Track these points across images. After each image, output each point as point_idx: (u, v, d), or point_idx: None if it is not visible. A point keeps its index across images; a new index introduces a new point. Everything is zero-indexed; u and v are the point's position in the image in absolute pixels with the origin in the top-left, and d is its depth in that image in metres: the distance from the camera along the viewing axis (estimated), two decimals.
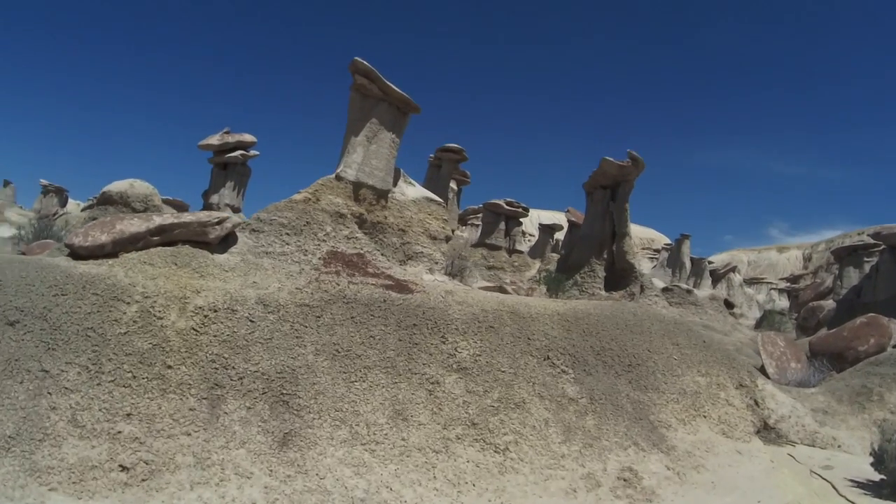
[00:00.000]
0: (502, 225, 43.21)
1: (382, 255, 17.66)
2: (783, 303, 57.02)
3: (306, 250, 15.84)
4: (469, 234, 46.75)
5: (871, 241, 36.20)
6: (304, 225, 16.17)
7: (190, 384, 11.67)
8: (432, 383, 13.26)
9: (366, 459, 11.34)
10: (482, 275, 30.43)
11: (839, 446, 15.09)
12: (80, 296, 12.42)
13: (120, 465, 9.73)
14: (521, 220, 45.56)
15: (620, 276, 24.45)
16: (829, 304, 27.80)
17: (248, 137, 29.74)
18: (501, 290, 21.80)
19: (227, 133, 29.36)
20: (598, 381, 14.31)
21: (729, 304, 41.29)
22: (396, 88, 17.93)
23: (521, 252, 41.80)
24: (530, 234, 64.28)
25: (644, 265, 62.09)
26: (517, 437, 12.67)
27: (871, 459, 12.57)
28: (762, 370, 19.16)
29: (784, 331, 30.14)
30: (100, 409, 10.48)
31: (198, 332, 12.79)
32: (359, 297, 14.64)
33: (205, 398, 11.57)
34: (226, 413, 11.44)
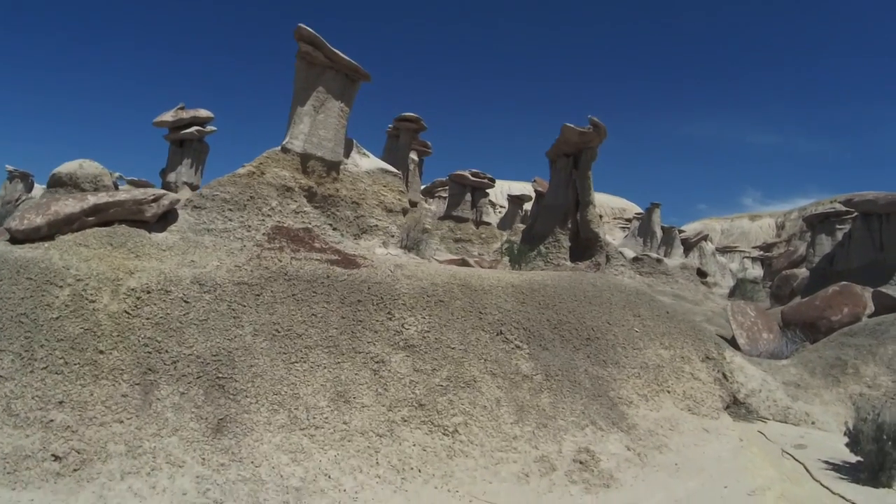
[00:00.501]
0: (468, 196, 41.31)
1: (334, 229, 16.36)
2: (757, 271, 55.41)
3: (249, 226, 14.53)
4: (437, 206, 44.97)
5: (843, 208, 34.89)
6: (248, 200, 14.85)
7: (122, 369, 10.82)
8: (377, 362, 12.11)
9: (304, 445, 10.35)
10: (448, 248, 29.19)
11: (813, 423, 13.95)
12: (14, 281, 11.73)
13: (52, 455, 9.24)
14: (487, 191, 43.77)
15: (586, 247, 23.14)
16: (803, 272, 26.58)
17: (203, 113, 27.96)
18: (464, 262, 20.55)
19: (181, 109, 27.61)
20: (555, 357, 13.11)
21: (702, 273, 40.10)
22: (344, 55, 16.53)
23: (488, 224, 40.01)
24: (500, 206, 62.53)
25: (616, 235, 60.80)
26: (467, 419, 11.55)
27: (846, 439, 11.37)
28: (733, 341, 18.01)
29: (757, 300, 29.03)
30: (32, 397, 9.94)
31: (130, 315, 11.78)
32: (301, 273, 13.37)
33: (137, 384, 10.72)
34: (158, 399, 10.57)
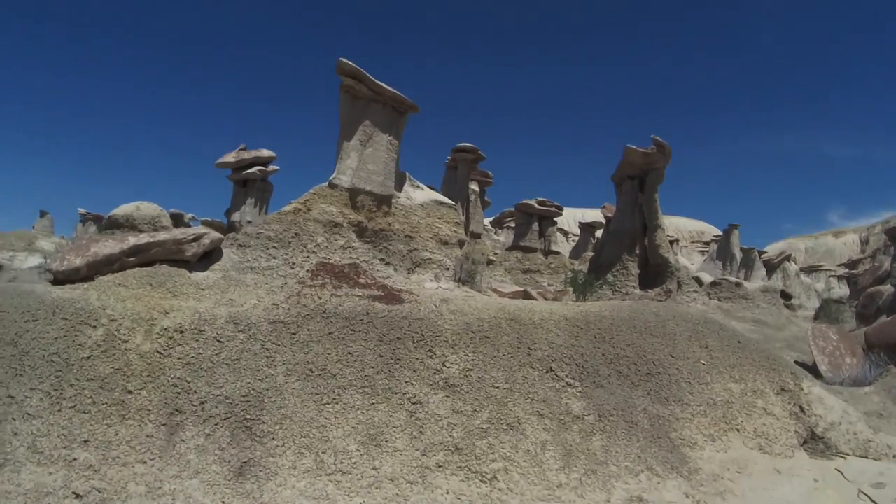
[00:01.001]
0: (535, 226, 38.46)
1: (387, 263, 15.28)
2: (843, 290, 50.11)
3: (293, 263, 13.62)
4: (505, 237, 42.86)
5: None
6: (293, 237, 13.95)
7: (149, 410, 10.21)
8: (414, 403, 10.87)
9: (329, 492, 9.31)
10: (516, 279, 27.48)
11: (894, 456, 11.77)
12: (49, 321, 11.18)
13: (73, 493, 8.82)
14: (555, 219, 40.73)
15: (656, 273, 21.08)
16: (889, 289, 23.59)
17: (265, 153, 27.59)
18: (527, 294, 19.04)
19: (242, 149, 27.36)
20: (610, 395, 11.50)
21: (786, 296, 36.75)
22: (388, 87, 15.55)
23: (557, 253, 37.06)
24: (574, 235, 59.42)
25: (694, 259, 56.70)
26: (507, 464, 10.17)
27: None
28: (814, 368, 15.76)
29: (842, 321, 26.05)
30: (58, 436, 9.47)
31: (162, 354, 11.08)
32: (340, 310, 12.31)
33: (163, 424, 10.07)
34: (183, 440, 9.87)
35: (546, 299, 18.25)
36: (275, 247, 13.81)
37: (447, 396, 11.11)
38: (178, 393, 10.43)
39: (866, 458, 11.92)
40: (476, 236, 28.05)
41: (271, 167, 27.63)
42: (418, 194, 16.64)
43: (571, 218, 67.38)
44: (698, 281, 32.19)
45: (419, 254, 15.63)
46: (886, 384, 13.98)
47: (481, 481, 9.87)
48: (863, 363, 15.49)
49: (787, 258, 51.45)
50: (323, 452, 9.84)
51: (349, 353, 11.58)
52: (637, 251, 21.29)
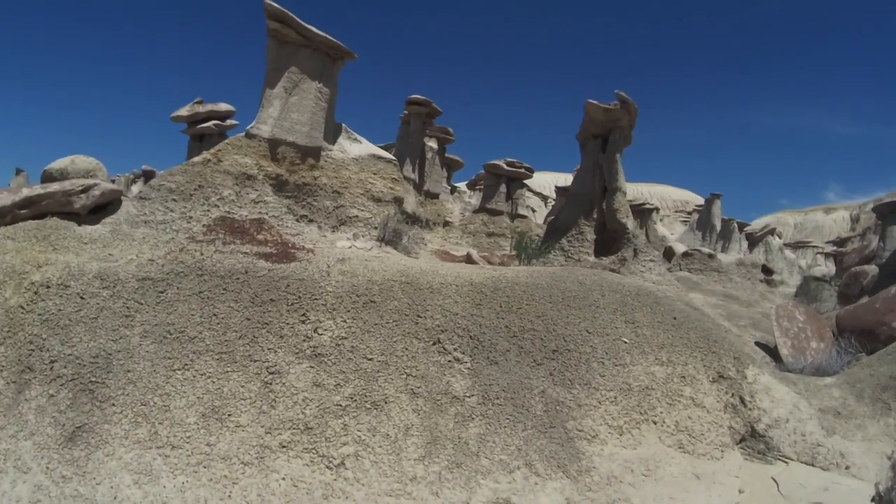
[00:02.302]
0: (503, 188, 33.05)
1: (310, 220, 12.72)
2: (830, 268, 43.77)
3: (191, 217, 11.20)
4: (477, 199, 38.58)
5: None
6: (196, 189, 11.50)
7: (3, 366, 8.49)
8: (272, 373, 8.53)
9: (155, 467, 7.32)
10: (480, 242, 24.22)
11: (847, 467, 8.81)
12: None
13: None
14: (524, 181, 35.33)
15: (613, 239, 17.82)
16: (874, 269, 19.76)
17: (223, 107, 24.63)
18: (469, 259, 16.14)
19: (198, 103, 24.79)
20: (504, 373, 8.75)
21: (767, 271, 32.54)
22: (319, 32, 12.87)
23: (524, 217, 32.09)
24: (553, 199, 53.88)
25: (676, 229, 51.24)
26: (360, 449, 7.77)
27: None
28: (775, 351, 12.53)
29: (821, 300, 22.26)
30: None
31: (24, 310, 9.04)
32: (217, 268, 9.85)
33: (14, 382, 8.40)
34: (27, 400, 8.16)
35: (491, 264, 15.39)
36: (174, 199, 11.39)
37: (311, 367, 8.58)
38: (32, 350, 8.56)
39: (812, 465, 8.99)
40: (432, 196, 24.79)
41: (229, 122, 24.93)
42: (354, 148, 13.92)
43: (554, 182, 60.09)
44: (669, 251, 28.47)
45: (346, 211, 12.98)
46: (851, 376, 10.77)
47: (327, 467, 7.48)
48: (830, 349, 12.18)
49: (771, 232, 44.50)
50: (160, 423, 7.73)
51: (214, 314, 9.13)
52: (594, 215, 18.02)
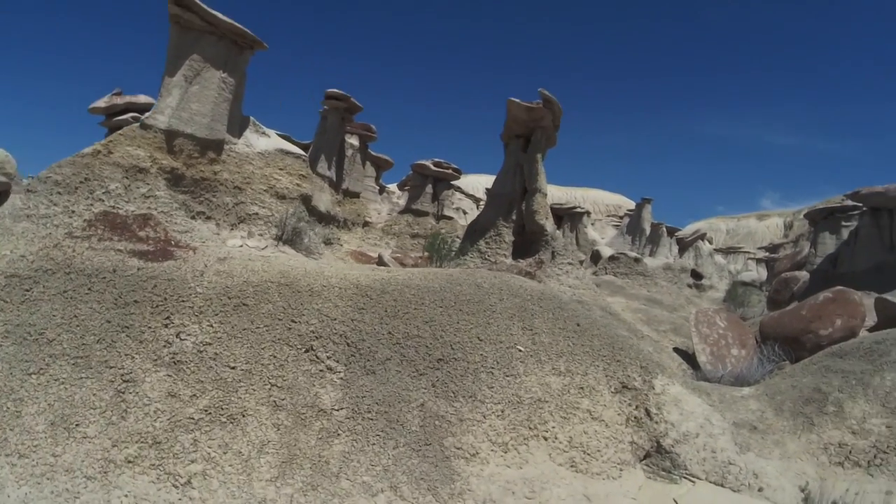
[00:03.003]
0: (429, 188, 31.38)
1: (208, 217, 11.53)
2: (762, 274, 42.75)
3: (73, 212, 9.97)
4: (407, 200, 36.85)
5: (851, 203, 25.59)
6: (82, 182, 10.26)
7: None
8: (126, 381, 7.42)
9: (2, 475, 6.37)
10: (403, 244, 22.94)
11: (760, 489, 7.86)
12: None
13: None
14: (452, 182, 33.47)
15: (531, 241, 16.81)
16: (805, 275, 19.03)
17: (142, 99, 22.82)
18: (380, 260, 15.06)
19: (117, 94, 23.34)
20: (381, 384, 7.66)
21: (696, 275, 31.80)
22: (225, 18, 11.72)
23: (450, 218, 30.16)
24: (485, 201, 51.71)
25: (608, 233, 50.21)
26: (209, 467, 6.65)
27: None
28: (695, 358, 11.62)
29: (749, 305, 21.46)
30: None
31: None
32: (85, 266, 8.72)
33: None
34: None
35: (404, 265, 14.32)
36: (59, 192, 10.15)
37: (168, 376, 7.45)
38: None
39: (722, 486, 8.04)
40: (352, 195, 23.34)
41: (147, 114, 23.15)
42: (262, 142, 12.74)
43: (487, 184, 57.75)
44: (596, 255, 27.66)
45: (246, 208, 11.81)
46: (771, 387, 9.86)
47: (173, 486, 6.43)
48: (752, 357, 11.27)
49: (701, 237, 43.35)
50: (11, 429, 6.80)
51: (75, 315, 7.99)
52: (513, 217, 16.97)
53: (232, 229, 11.42)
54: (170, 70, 11.41)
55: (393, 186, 40.02)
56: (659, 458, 8.37)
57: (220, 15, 11.46)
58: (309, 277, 8.91)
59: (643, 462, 8.31)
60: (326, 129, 21.11)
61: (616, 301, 16.66)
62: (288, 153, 12.73)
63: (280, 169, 12.55)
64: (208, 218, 11.33)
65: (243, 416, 7.16)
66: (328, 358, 7.89)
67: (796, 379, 9.91)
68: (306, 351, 7.93)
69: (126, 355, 7.64)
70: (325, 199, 18.79)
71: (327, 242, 17.31)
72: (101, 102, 22.44)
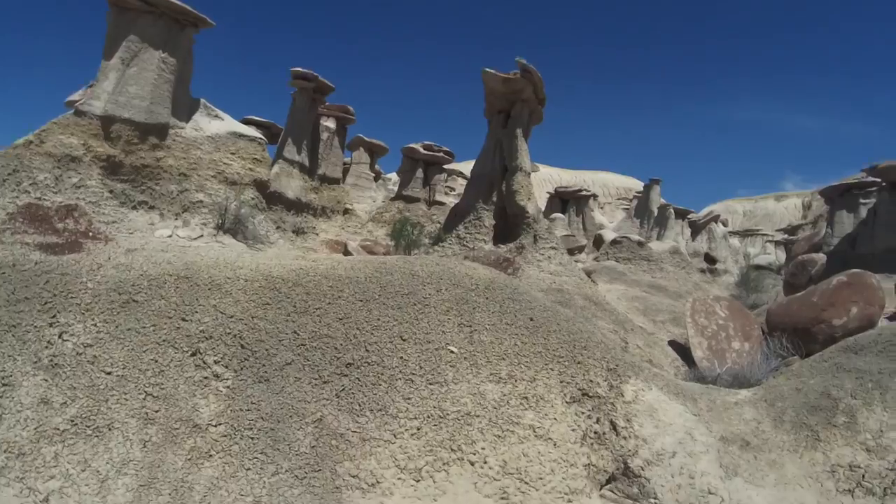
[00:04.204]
0: (420, 173, 28.39)
1: (151, 207, 10.28)
2: (782, 257, 38.09)
3: None
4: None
5: (869, 178, 22.34)
6: (10, 174, 9.25)
7: None
8: (5, 385, 6.23)
9: None
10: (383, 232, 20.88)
11: None
12: None
13: None
14: (444, 166, 30.13)
15: (514, 225, 14.74)
16: (823, 257, 16.37)
17: None
18: (344, 249, 13.42)
19: (92, 87, 22.00)
20: (274, 395, 6.17)
21: (710, 260, 28.67)
22: None
23: (442, 204, 27.02)
24: None
25: (617, 217, 46.18)
26: (66, 484, 5.49)
27: None
28: (689, 353, 9.63)
29: (762, 290, 18.86)
30: None
31: None
32: None
33: None
34: None
35: (374, 253, 12.72)
36: None
37: (45, 380, 6.30)
38: None
39: None
40: (331, 181, 21.30)
41: None
42: (214, 125, 11.42)
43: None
44: (598, 239, 25.10)
45: (191, 195, 10.41)
46: (772, 390, 7.91)
47: (34, 502, 5.31)
48: (756, 351, 9.16)
49: (715, 219, 38.30)
50: None
51: None
52: (494, 199, 14.92)
53: (176, 218, 10.13)
54: (107, 53, 10.27)
55: (392, 175, 37.38)
56: (625, 482, 6.63)
57: None
58: (216, 269, 7.49)
59: (606, 488, 6.56)
60: (295, 111, 19.30)
61: (613, 288, 14.67)
62: (242, 136, 11.38)
63: (232, 153, 11.21)
64: (151, 207, 10.12)
65: (109, 428, 5.86)
66: (216, 363, 6.44)
67: (803, 380, 7.89)
68: (192, 354, 6.50)
69: (9, 356, 6.47)
70: (293, 185, 17.27)
71: (298, 231, 15.90)
72: (77, 95, 21.36)
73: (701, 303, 10.31)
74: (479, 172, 15.24)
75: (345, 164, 34.24)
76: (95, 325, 6.78)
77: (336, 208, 19.31)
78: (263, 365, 6.50)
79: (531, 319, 7.73)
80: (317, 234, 16.64)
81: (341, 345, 6.78)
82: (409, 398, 6.45)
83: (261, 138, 11.85)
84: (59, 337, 6.66)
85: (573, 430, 6.79)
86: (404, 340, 6.97)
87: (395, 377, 6.61)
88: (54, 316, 6.86)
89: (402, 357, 6.80)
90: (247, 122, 23.92)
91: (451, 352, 7.00)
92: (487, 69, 13.78)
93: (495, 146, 14.84)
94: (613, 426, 7.01)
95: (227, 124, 11.52)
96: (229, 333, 6.69)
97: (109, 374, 6.35)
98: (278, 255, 8.79)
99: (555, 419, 6.77)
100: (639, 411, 7.23)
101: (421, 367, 6.75)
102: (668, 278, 20.54)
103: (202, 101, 11.58)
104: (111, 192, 9.67)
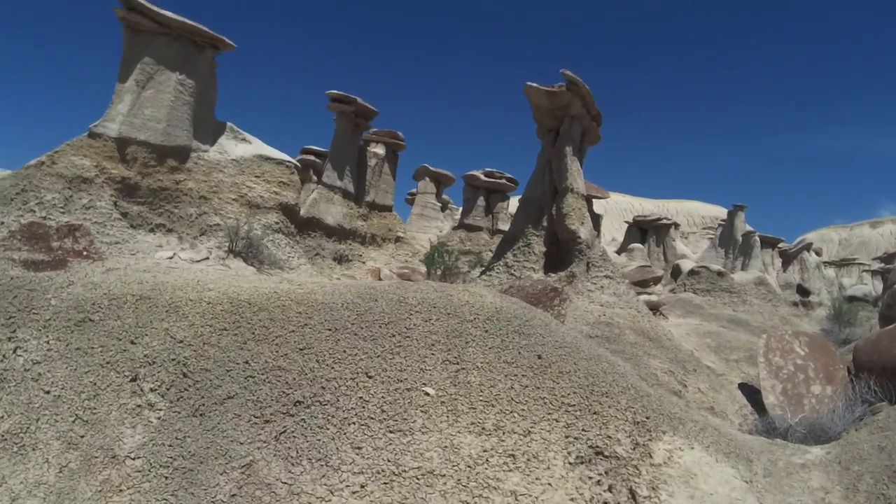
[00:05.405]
0: (482, 201, 26.82)
1: (168, 230, 10.00)
2: (879, 287, 32.09)
3: (1, 223, 8.75)
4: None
5: None
6: (18, 193, 9.21)
7: None
8: None
9: None
10: (452, 262, 19.26)
11: None
12: None
13: None
14: (507, 194, 28.09)
15: (566, 251, 12.95)
16: None
17: None
18: (378, 277, 12.37)
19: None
20: (206, 431, 5.40)
21: (803, 291, 24.81)
22: (178, 17, 10.31)
23: (504, 232, 25.38)
24: None
25: (703, 247, 41.17)
26: None
27: None
28: (760, 398, 7.84)
29: (856, 324, 16.47)
30: None
31: None
32: None
33: None
34: None
35: (409, 280, 11.61)
36: None
37: None
38: None
39: None
40: (381, 208, 20.11)
41: None
42: (240, 148, 11.06)
43: None
44: (676, 269, 22.10)
45: (208, 219, 9.99)
46: (851, 448, 6.14)
47: None
48: (839, 396, 7.24)
49: (807, 248, 33.92)
50: None
51: None
52: (544, 223, 13.26)
53: (193, 241, 9.74)
54: (122, 76, 10.30)
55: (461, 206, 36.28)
56: None
57: (170, 14, 10.20)
58: (182, 290, 6.86)
59: None
60: (337, 136, 18.62)
61: (685, 323, 12.75)
62: (268, 159, 10.98)
63: (256, 177, 10.81)
64: (169, 231, 9.85)
65: (33, 448, 5.44)
66: (152, 390, 5.71)
67: (887, 434, 6.05)
68: (132, 380, 5.85)
69: None
70: (334, 211, 16.62)
71: (341, 258, 15.23)
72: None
73: (776, 339, 8.42)
74: (529, 196, 13.85)
75: (411, 194, 33.98)
76: (48, 342, 6.34)
77: (387, 236, 18.65)
78: (202, 397, 5.68)
79: (539, 357, 6.41)
80: (363, 262, 15.99)
81: (294, 379, 5.83)
82: (359, 448, 5.34)
83: (291, 161, 11.45)
84: (14, 352, 6.30)
85: (572, 499, 5.35)
86: (370, 377, 5.91)
87: (349, 421, 5.54)
88: (14, 331, 6.52)
89: (361, 397, 5.73)
90: (305, 152, 24.44)
91: (426, 394, 5.83)
92: (530, 83, 12.53)
93: (545, 167, 13.48)
94: (633, 496, 5.51)
95: (255, 147, 11.21)
96: (174, 360, 5.96)
97: (48, 392, 5.83)
98: (259, 279, 8.05)
99: (549, 485, 5.38)
100: (670, 477, 5.68)
101: (383, 411, 5.64)
102: (750, 311, 17.99)
103: (228, 124, 11.39)
104: (124, 214, 9.52)
